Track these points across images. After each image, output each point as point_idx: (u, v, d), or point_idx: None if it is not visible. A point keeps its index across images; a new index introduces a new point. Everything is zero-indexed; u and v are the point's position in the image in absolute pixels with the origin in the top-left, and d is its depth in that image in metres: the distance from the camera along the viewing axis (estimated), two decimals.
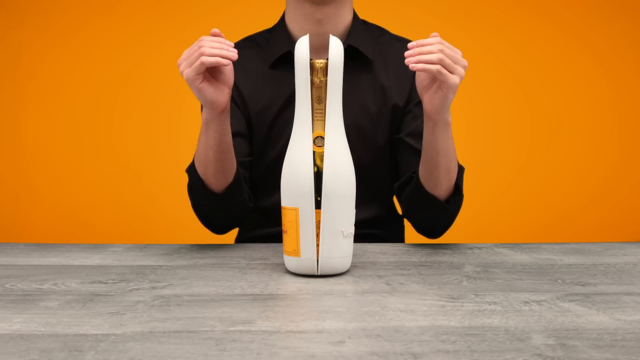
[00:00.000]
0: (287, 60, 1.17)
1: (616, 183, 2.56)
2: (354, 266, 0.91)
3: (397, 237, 1.33)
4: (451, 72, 0.91)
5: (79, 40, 2.47)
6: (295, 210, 0.83)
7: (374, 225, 1.25)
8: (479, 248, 1.05)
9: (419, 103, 1.19)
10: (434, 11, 2.46)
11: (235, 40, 1.22)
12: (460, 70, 0.92)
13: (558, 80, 2.54)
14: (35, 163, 2.49)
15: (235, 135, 1.16)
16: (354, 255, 0.98)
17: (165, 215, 2.39)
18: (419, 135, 1.15)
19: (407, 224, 1.27)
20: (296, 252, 0.84)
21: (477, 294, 0.76)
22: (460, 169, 1.11)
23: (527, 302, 0.73)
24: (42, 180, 2.49)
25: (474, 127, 2.53)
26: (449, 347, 0.58)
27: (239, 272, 0.88)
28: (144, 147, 2.44)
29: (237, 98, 1.21)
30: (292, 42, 1.19)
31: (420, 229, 1.15)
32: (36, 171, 2.49)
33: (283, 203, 0.86)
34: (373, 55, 1.22)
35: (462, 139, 2.65)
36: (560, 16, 2.53)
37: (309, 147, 0.84)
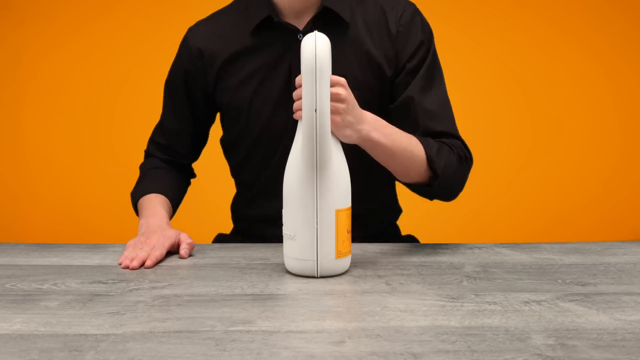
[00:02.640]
0: (267, 26, 1.13)
1: (616, 183, 2.56)
2: (354, 266, 0.91)
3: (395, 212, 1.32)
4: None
5: (79, 40, 2.47)
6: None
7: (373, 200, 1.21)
8: (479, 248, 1.05)
9: (407, 69, 1.14)
10: (434, 11, 2.45)
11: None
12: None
13: (558, 80, 2.54)
14: (35, 163, 2.49)
15: (176, 133, 1.25)
16: (354, 255, 0.98)
17: None
18: (409, 104, 1.11)
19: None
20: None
21: (477, 294, 0.76)
22: (431, 149, 1.04)
23: (527, 302, 0.73)
24: (42, 180, 2.49)
25: (474, 127, 2.52)
26: (449, 347, 0.58)
27: (239, 272, 0.88)
28: (144, 147, 2.44)
29: (199, 78, 1.19)
30: (271, 5, 1.13)
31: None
32: (36, 171, 2.49)
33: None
34: (352, 17, 1.13)
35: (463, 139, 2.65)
36: (560, 16, 2.52)
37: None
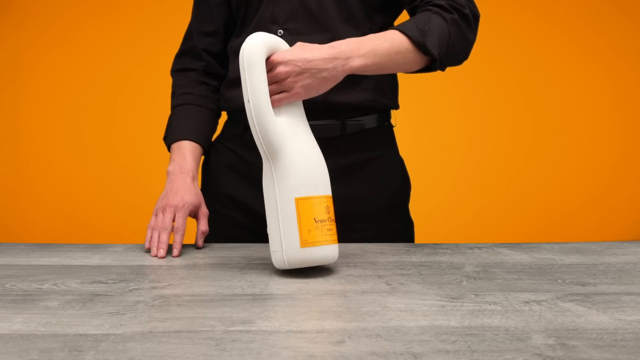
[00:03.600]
0: None
1: (616, 183, 2.56)
2: (354, 266, 0.91)
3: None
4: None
5: (79, 40, 2.47)
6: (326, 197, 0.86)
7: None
8: (479, 248, 1.05)
9: None
10: None
11: None
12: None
13: (558, 81, 2.54)
14: (35, 163, 2.49)
15: (212, 34, 1.21)
16: (354, 255, 0.98)
17: None
18: None
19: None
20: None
21: (477, 294, 0.76)
22: (416, 34, 0.97)
23: (527, 302, 0.73)
24: (42, 180, 2.49)
25: (474, 127, 2.53)
26: (449, 347, 0.58)
27: (239, 272, 0.88)
28: (144, 147, 2.44)
29: None
30: None
31: None
32: (36, 171, 2.49)
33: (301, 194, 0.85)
34: None
35: (463, 139, 2.65)
36: (560, 16, 2.53)
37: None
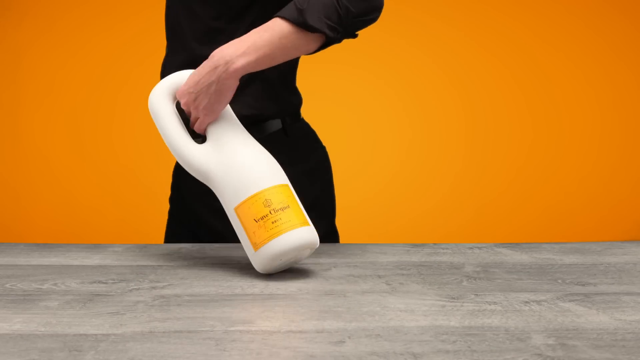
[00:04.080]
0: None
1: (616, 183, 2.56)
2: (354, 266, 0.91)
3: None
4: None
5: (79, 40, 2.47)
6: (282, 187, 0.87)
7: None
8: (479, 248, 1.05)
9: None
10: (434, 11, 2.45)
11: None
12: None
13: (558, 80, 2.54)
14: (35, 163, 2.49)
15: None
16: (354, 255, 0.98)
17: (165, 215, 2.39)
18: None
19: None
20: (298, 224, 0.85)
21: (477, 294, 0.76)
22: (294, 14, 0.93)
23: (527, 302, 0.73)
24: (42, 180, 2.49)
25: (474, 127, 2.53)
26: (449, 347, 0.58)
27: (239, 272, 0.88)
28: (144, 147, 2.44)
29: None
30: None
31: None
32: (36, 171, 2.49)
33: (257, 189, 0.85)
34: None
35: (463, 139, 2.65)
36: (560, 16, 2.53)
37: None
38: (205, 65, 0.92)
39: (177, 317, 0.67)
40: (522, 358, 0.55)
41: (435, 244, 1.10)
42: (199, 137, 0.94)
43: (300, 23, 0.93)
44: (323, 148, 1.19)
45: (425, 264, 0.93)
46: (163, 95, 0.94)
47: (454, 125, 2.54)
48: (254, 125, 1.06)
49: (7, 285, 0.80)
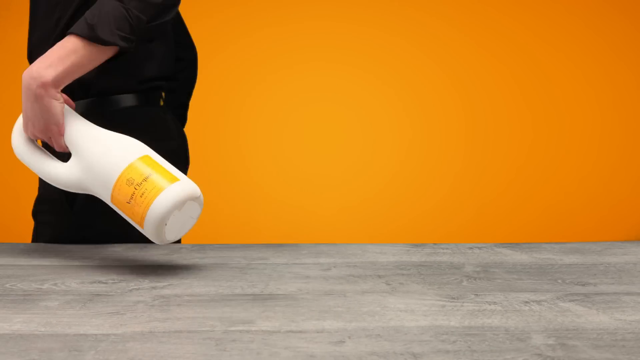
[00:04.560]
0: None
1: (616, 183, 2.56)
2: (354, 266, 0.91)
3: None
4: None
5: None
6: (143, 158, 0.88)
7: None
8: (479, 248, 1.05)
9: None
10: (434, 11, 2.45)
11: None
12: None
13: (558, 80, 2.54)
14: None
15: None
16: (354, 255, 0.98)
17: None
18: None
19: None
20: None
21: (477, 294, 0.76)
22: (80, 26, 0.95)
23: (527, 302, 0.73)
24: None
25: (474, 127, 2.53)
26: (449, 347, 0.58)
27: (239, 272, 0.88)
28: None
29: None
30: None
31: None
32: None
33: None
34: None
35: (463, 139, 2.65)
36: (560, 16, 2.53)
37: None
38: (23, 92, 0.96)
39: (177, 317, 0.67)
40: (522, 358, 0.55)
41: (435, 244, 1.10)
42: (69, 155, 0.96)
43: (92, 37, 0.95)
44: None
45: (425, 264, 0.93)
46: (20, 139, 1.00)
47: (454, 125, 2.54)
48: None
49: (7, 285, 0.80)
